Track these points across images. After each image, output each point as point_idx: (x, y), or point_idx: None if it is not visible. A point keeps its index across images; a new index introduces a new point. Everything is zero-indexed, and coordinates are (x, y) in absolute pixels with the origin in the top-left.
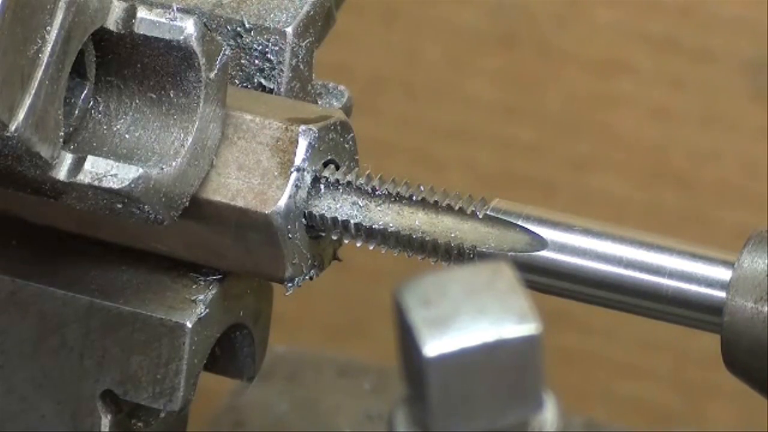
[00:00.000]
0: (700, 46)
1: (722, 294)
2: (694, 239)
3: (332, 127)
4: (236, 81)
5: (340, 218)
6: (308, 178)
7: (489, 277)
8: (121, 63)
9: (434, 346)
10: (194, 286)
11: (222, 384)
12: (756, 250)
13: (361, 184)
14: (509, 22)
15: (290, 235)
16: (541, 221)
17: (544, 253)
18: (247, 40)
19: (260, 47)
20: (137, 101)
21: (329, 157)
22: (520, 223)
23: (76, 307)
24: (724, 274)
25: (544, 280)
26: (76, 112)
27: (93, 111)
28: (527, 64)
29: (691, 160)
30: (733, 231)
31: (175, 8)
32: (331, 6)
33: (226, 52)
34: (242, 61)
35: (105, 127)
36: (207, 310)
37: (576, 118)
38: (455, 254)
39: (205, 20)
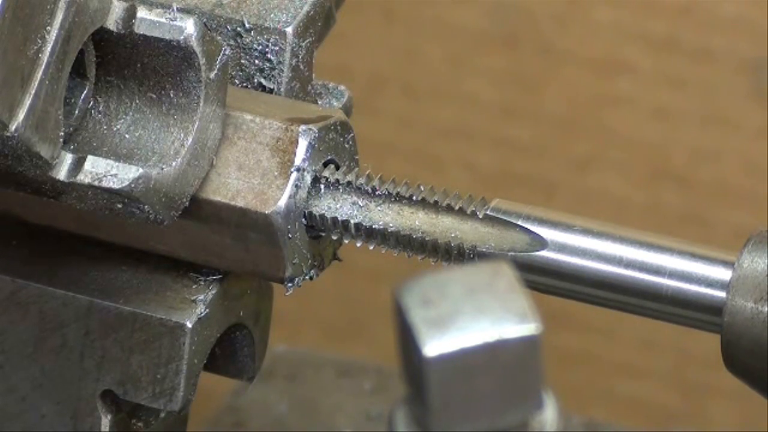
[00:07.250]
0: (700, 46)
1: (722, 294)
2: (694, 239)
3: (332, 127)
4: (236, 81)
5: (340, 218)
6: (308, 178)
7: (489, 277)
8: (121, 63)
9: (434, 346)
10: (194, 286)
11: (222, 384)
12: (756, 250)
13: (361, 184)
14: (509, 22)
15: (290, 235)
16: (541, 221)
17: (544, 253)
18: (247, 40)
19: (260, 47)
20: (137, 101)
21: (329, 157)
22: (520, 223)
23: (76, 307)
24: (724, 274)
25: (544, 280)
26: (76, 112)
27: (93, 111)
28: (527, 64)
29: (691, 160)
30: (733, 231)
31: (175, 8)
32: (331, 6)
33: (226, 52)
34: (242, 61)
35: (105, 127)
36: (207, 310)
37: (576, 118)
38: (455, 254)
39: (205, 20)
